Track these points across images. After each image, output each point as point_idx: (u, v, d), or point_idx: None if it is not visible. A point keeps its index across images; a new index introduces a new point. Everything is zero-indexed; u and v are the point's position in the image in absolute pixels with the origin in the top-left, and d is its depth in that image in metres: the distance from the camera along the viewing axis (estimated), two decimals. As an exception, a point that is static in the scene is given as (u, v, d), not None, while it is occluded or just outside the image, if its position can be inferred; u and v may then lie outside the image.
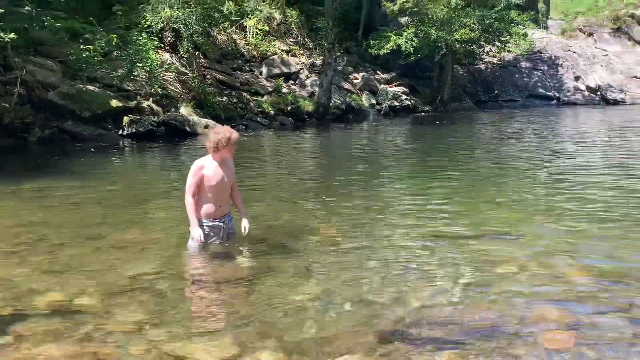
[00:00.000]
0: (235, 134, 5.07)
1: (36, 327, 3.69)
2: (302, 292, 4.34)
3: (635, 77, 38.20)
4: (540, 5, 46.46)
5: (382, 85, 29.80)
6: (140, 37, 17.39)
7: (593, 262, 4.93)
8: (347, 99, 26.31)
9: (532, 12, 38.07)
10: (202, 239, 5.02)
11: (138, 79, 17.46)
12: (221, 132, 5.06)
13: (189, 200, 5.02)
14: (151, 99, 17.50)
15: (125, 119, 16.39)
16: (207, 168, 5.03)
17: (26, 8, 15.11)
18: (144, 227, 6.48)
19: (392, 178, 10.40)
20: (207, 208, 5.10)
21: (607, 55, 40.34)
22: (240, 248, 5.42)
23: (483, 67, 38.07)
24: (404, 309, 3.98)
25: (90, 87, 16.48)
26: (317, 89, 24.55)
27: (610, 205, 7.15)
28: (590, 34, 44.24)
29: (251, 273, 4.91)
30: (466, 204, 7.54)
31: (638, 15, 43.18)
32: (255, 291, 4.44)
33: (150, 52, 17.11)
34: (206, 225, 5.12)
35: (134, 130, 16.22)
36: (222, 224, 5.21)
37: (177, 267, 5.08)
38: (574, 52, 40.04)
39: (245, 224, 5.25)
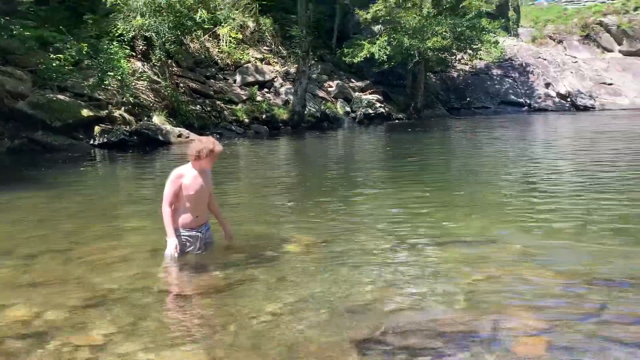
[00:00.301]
0: (219, 147, 5.05)
1: None
2: (276, 301, 4.30)
3: (604, 83, 39.01)
4: (511, 13, 47.23)
5: (357, 93, 29.96)
6: (112, 46, 17.21)
7: (564, 266, 4.98)
8: (322, 107, 26.38)
9: (503, 20, 38.72)
10: (178, 249, 4.96)
11: (109, 88, 17.27)
12: (205, 141, 5.05)
13: (166, 209, 4.96)
14: (123, 108, 17.31)
15: (97, 129, 16.17)
16: (186, 177, 4.98)
17: (-6, 17, 14.90)
18: (115, 238, 6.37)
19: (366, 185, 10.43)
20: (185, 217, 5.04)
21: (576, 62, 41.15)
22: (216, 258, 5.36)
23: (455, 74, 38.55)
24: (378, 317, 3.97)
25: (61, 97, 16.24)
26: (291, 97, 24.57)
27: (579, 210, 7.25)
28: (560, 41, 45.13)
29: (226, 283, 4.85)
30: (439, 210, 7.58)
31: (606, 23, 44.16)
32: (230, 301, 4.39)
33: (122, 61, 16.95)
34: (183, 235, 5.07)
35: (105, 140, 16.01)
36: (199, 233, 5.16)
37: (150, 278, 4.99)
38: (544, 59, 40.76)
39: (230, 234, 5.32)
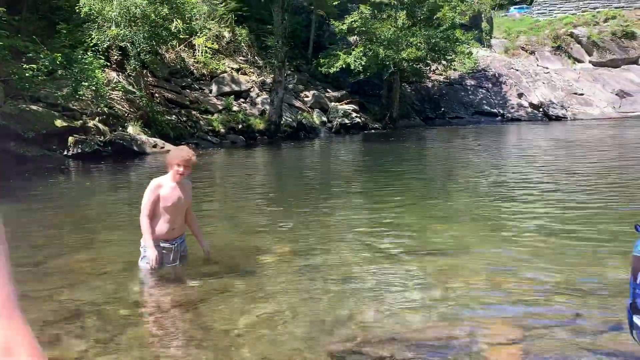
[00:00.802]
0: (190, 155, 4.95)
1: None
2: (254, 313, 4.29)
3: (575, 93, 39.79)
4: (484, 24, 47.96)
5: (333, 103, 30.11)
6: (86, 56, 17.06)
7: (538, 275, 5.06)
8: (298, 117, 26.45)
9: (476, 32, 39.31)
10: (157, 261, 4.90)
11: (84, 98, 17.09)
12: (178, 151, 5.06)
13: (144, 220, 4.87)
14: (97, 118, 17.15)
15: (71, 139, 15.98)
16: (164, 187, 4.93)
17: (-35, 26, 14.67)
18: (89, 250, 6.29)
19: (343, 195, 10.47)
20: (160, 229, 4.98)
21: (548, 72, 41.93)
22: (192, 270, 5.32)
23: (430, 85, 38.98)
24: (355, 327, 3.98)
25: (34, 107, 16.02)
26: (268, 107, 24.59)
27: (551, 219, 7.37)
28: (532, 52, 45.95)
29: (203, 296, 4.82)
30: (415, 220, 7.65)
31: (577, 34, 45.11)
32: (207, 314, 4.37)
33: (96, 71, 16.80)
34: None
35: (79, 151, 15.83)
36: (173, 246, 5.11)
37: (125, 291, 4.94)
38: (517, 70, 41.44)
39: (207, 249, 5.26)
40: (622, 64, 43.41)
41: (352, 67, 29.22)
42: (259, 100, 25.79)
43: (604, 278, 4.94)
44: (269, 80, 26.63)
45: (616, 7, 47.12)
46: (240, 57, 28.23)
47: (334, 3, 34.23)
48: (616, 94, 39.97)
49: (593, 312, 4.19)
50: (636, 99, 39.47)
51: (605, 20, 45.05)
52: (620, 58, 43.54)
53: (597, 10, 47.36)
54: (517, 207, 8.44)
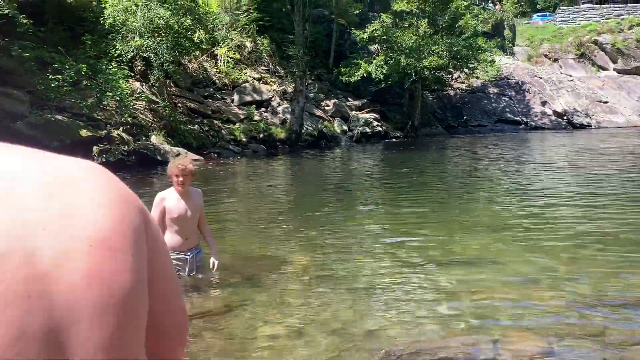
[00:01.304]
0: (182, 165, 4.92)
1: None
2: (275, 324, 4.26)
3: (600, 101, 39.26)
4: (507, 32, 47.66)
5: (354, 112, 30.09)
6: (110, 66, 17.29)
7: (566, 287, 4.96)
8: (319, 126, 26.48)
9: (499, 39, 39.05)
10: None
11: (108, 108, 17.32)
12: (172, 162, 5.07)
13: None
14: (121, 128, 17.35)
15: (95, 149, 16.17)
16: (168, 200, 4.96)
17: (-7, 38, 15.00)
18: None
19: (365, 205, 10.42)
20: (172, 241, 4.99)
21: (572, 80, 41.45)
22: (211, 280, 5.31)
23: (452, 93, 38.78)
24: (378, 340, 3.93)
25: (59, 117, 16.26)
26: (289, 116, 24.67)
27: (580, 231, 7.24)
28: (556, 60, 45.49)
29: (223, 306, 4.81)
30: (438, 230, 7.56)
31: (601, 42, 44.57)
32: (228, 325, 4.35)
33: (120, 81, 17.02)
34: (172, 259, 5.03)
35: (104, 160, 15.99)
36: (187, 257, 5.11)
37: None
38: (540, 78, 41.05)
39: (214, 260, 5.14)
40: (648, 71, 42.74)
41: (373, 75, 29.21)
42: (280, 109, 25.89)
43: (632, 290, 4.83)
44: (290, 89, 26.73)
45: (641, 14, 46.48)
46: (262, 67, 28.40)
47: (355, 12, 34.34)
48: (642, 102, 39.33)
49: (620, 325, 4.09)
50: (663, 106, 38.80)
51: (630, 27, 44.42)
52: (646, 65, 42.87)
53: (621, 17, 46.77)
54: (542, 217, 8.31)
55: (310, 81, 27.83)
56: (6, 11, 14.92)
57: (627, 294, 4.71)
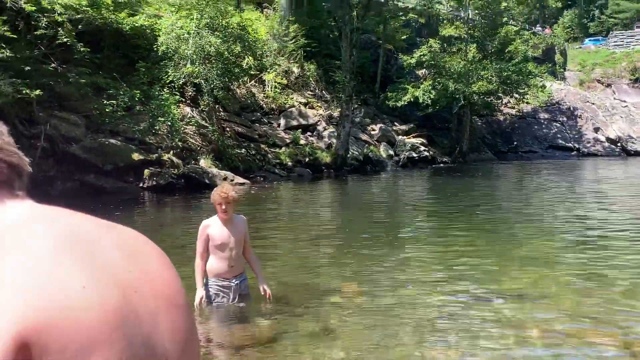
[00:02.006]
0: (224, 193, 4.92)
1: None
2: (325, 355, 4.21)
3: (656, 127, 37.98)
4: (558, 56, 46.84)
5: (400, 137, 29.95)
6: (162, 92, 17.76)
7: (621, 329, 4.73)
8: (365, 150, 26.44)
9: (550, 65, 38.41)
10: (204, 302, 4.95)
11: (159, 132, 17.75)
12: (214, 190, 5.07)
13: (197, 261, 5.02)
14: (172, 151, 17.73)
15: (146, 172, 16.55)
16: (212, 227, 5.01)
17: (52, 65, 15.61)
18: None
19: (413, 233, 10.27)
20: (217, 268, 5.04)
21: (626, 106, 40.31)
22: (257, 309, 5.29)
23: (502, 118, 38.22)
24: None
25: (113, 141, 16.75)
26: (334, 140, 24.74)
27: (634, 265, 6.94)
28: (609, 85, 44.37)
29: (269, 335, 4.78)
30: (487, 262, 7.37)
31: (656, 67, 43.28)
32: (275, 354, 4.32)
33: (172, 107, 17.44)
34: (216, 285, 5.05)
35: (154, 183, 16.37)
36: (232, 284, 5.12)
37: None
38: (593, 104, 40.07)
39: (264, 286, 5.14)
40: None
41: (421, 100, 29.09)
42: (325, 133, 25.99)
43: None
44: (336, 114, 26.83)
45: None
46: (308, 92, 28.65)
47: (402, 37, 34.39)
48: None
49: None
50: None
51: (687, 51, 43.03)
52: None
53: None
54: (595, 251, 8.00)
55: (356, 106, 27.91)
56: (65, 39, 15.53)
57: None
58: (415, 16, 35.99)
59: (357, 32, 25.59)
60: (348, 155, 24.48)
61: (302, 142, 24.27)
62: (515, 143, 36.74)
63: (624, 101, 41.41)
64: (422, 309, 5.35)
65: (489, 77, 29.14)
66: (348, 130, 24.22)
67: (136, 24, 18.46)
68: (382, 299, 5.69)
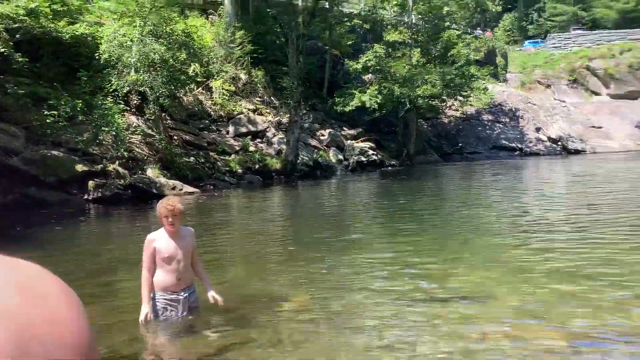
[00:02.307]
0: (170, 205, 4.85)
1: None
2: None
3: (594, 127, 39.56)
4: (499, 59, 48.19)
5: (349, 141, 30.20)
6: (106, 101, 17.37)
7: (565, 323, 4.90)
8: (315, 156, 26.54)
9: (492, 67, 39.45)
10: (150, 317, 4.83)
11: (104, 142, 17.34)
12: (160, 202, 5.00)
13: (143, 275, 4.90)
14: (117, 162, 17.34)
15: (91, 183, 16.14)
16: (158, 241, 4.91)
17: (-12, 75, 15.09)
18: (105, 300, 6.24)
19: (362, 238, 10.35)
20: (164, 281, 4.94)
21: (565, 106, 41.83)
22: (206, 321, 5.22)
23: (446, 120, 39.05)
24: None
25: (55, 152, 16.26)
26: (284, 146, 24.74)
27: (576, 261, 7.19)
28: (549, 86, 45.95)
29: (221, 347, 4.73)
30: (436, 264, 7.51)
31: (593, 67, 45.11)
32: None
33: (116, 116, 17.07)
34: (163, 299, 4.95)
35: (99, 195, 15.97)
36: (181, 297, 5.03)
37: (140, 343, 4.87)
38: (534, 104, 41.41)
39: (214, 295, 5.06)
40: (640, 95, 43.16)
41: (368, 105, 29.43)
42: (275, 140, 25.95)
43: (628, 326, 4.76)
44: (285, 120, 26.84)
45: (631, 40, 47.11)
46: (257, 98, 28.55)
47: (348, 43, 34.71)
48: (635, 126, 39.63)
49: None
50: (656, 130, 39.09)
51: (622, 53, 45.02)
52: (638, 90, 43.30)
53: (612, 42, 47.39)
54: (540, 248, 8.25)
55: (304, 111, 27.98)
56: (2, 49, 15.02)
57: (624, 329, 4.65)
58: (360, 22, 36.38)
59: (303, 38, 25.71)
60: (298, 161, 24.52)
61: (252, 148, 24.17)
62: (460, 145, 37.59)
63: (564, 101, 42.98)
64: (370, 313, 5.40)
65: (433, 81, 29.74)
66: (297, 136, 24.26)
67: (76, 33, 18.00)
68: (331, 305, 5.71)
